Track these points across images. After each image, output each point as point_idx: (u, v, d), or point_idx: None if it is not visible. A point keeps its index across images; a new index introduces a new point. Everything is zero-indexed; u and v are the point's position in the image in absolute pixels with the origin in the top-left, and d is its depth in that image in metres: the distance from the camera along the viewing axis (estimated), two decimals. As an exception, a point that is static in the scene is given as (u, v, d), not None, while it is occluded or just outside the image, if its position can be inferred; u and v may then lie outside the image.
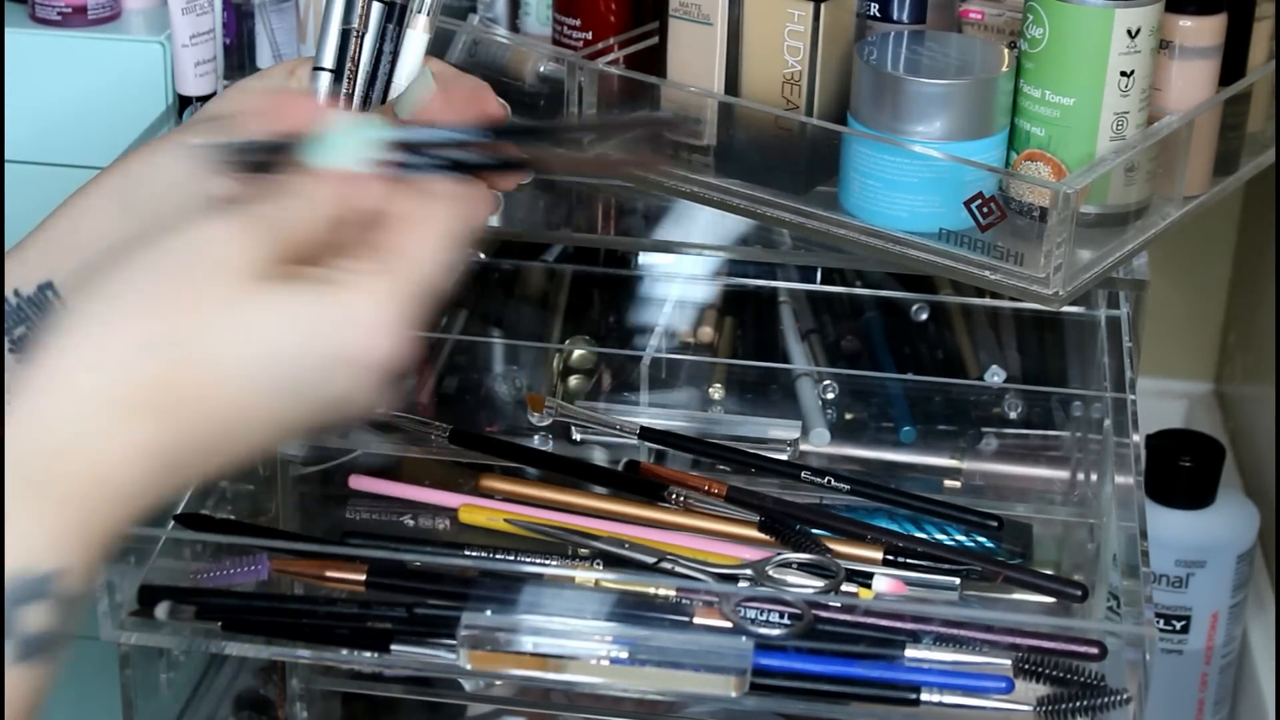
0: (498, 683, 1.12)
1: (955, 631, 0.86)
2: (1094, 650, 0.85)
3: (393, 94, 0.80)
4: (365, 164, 0.68)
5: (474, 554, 0.94)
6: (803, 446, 1.06)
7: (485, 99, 0.81)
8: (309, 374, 0.64)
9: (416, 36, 0.80)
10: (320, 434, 0.66)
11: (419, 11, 0.80)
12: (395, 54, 0.80)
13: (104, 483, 0.61)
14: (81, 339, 0.62)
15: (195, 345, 0.62)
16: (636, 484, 1.00)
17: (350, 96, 0.80)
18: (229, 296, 0.63)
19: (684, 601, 0.88)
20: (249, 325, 0.63)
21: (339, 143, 0.68)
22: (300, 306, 0.63)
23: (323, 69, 0.80)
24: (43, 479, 0.60)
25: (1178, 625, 1.29)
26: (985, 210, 0.90)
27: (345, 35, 0.80)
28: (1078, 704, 0.84)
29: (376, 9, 0.80)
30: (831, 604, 0.87)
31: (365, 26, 0.80)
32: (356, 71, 0.80)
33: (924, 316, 1.17)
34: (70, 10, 1.11)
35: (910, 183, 0.91)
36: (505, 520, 0.97)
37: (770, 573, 0.91)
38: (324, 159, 0.67)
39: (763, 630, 0.86)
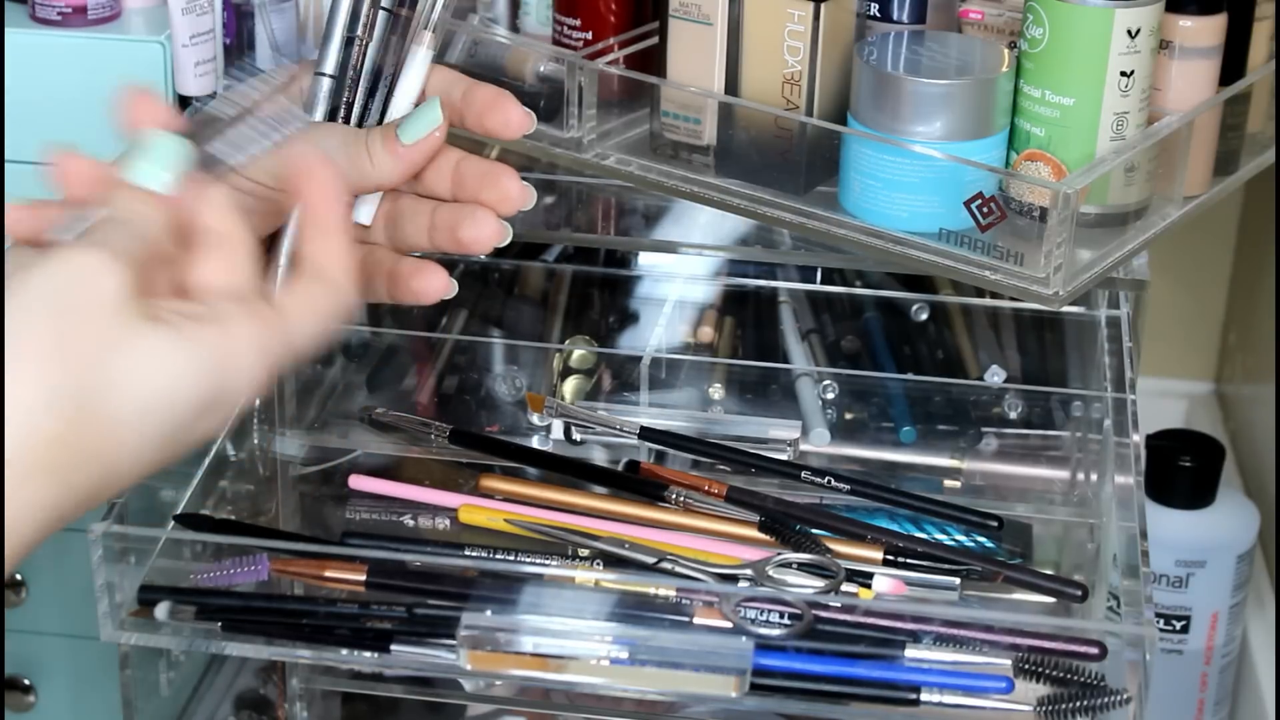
0: (498, 683, 1.12)
1: (955, 631, 0.86)
2: (1094, 650, 0.85)
3: (395, 112, 0.80)
4: (180, 174, 0.69)
5: (474, 554, 0.94)
6: (803, 446, 1.06)
7: (507, 106, 0.81)
8: (188, 418, 0.66)
9: (421, 53, 0.80)
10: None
11: (425, 28, 0.80)
12: (398, 67, 0.80)
13: None
14: None
15: (93, 399, 0.63)
16: (636, 484, 1.00)
17: (350, 104, 0.80)
18: (113, 339, 0.63)
19: (684, 601, 0.88)
20: (140, 375, 0.64)
21: (153, 154, 0.69)
22: (186, 353, 0.65)
23: (324, 74, 0.80)
24: None
25: (1178, 625, 1.29)
26: (985, 210, 0.90)
27: (349, 43, 0.80)
28: (1078, 704, 0.84)
29: (381, 19, 0.80)
30: (831, 604, 0.87)
31: (369, 36, 0.80)
32: (358, 80, 0.80)
33: (924, 316, 1.17)
34: (70, 10, 1.11)
35: (910, 183, 0.91)
36: (505, 520, 0.97)
37: (770, 573, 0.91)
38: (139, 173, 0.69)
39: (763, 630, 0.86)
